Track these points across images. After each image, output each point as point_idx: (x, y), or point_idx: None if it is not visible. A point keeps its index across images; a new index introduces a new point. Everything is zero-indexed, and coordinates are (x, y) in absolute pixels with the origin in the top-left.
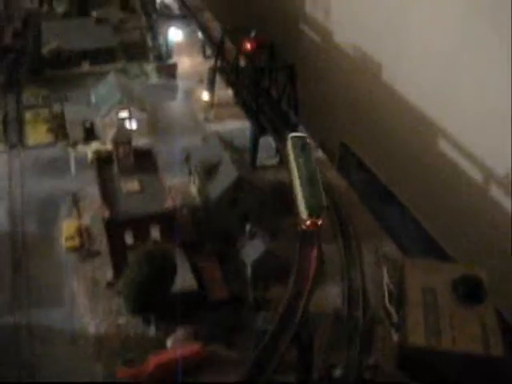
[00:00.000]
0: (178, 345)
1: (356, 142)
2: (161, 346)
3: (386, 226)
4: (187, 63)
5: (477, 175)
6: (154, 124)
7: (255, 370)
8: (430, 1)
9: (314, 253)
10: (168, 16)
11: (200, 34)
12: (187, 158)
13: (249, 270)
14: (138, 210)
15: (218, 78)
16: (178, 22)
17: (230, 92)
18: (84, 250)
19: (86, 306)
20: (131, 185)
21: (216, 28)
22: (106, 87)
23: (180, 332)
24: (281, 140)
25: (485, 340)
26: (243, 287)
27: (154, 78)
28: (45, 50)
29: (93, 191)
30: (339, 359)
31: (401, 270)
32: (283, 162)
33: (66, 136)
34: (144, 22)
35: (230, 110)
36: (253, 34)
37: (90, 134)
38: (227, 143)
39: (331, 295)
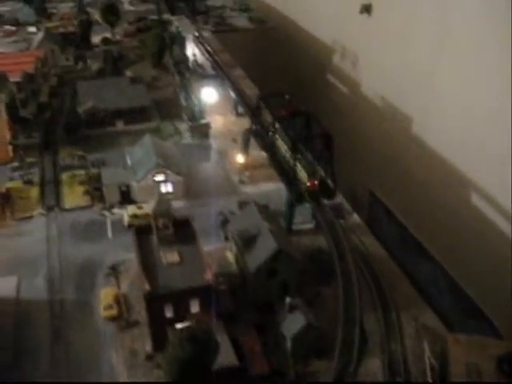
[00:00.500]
0: None
1: (385, 191)
2: None
3: (417, 281)
4: (220, 122)
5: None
6: (189, 186)
7: None
8: (459, 53)
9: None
10: (201, 75)
11: (232, 93)
12: (223, 224)
13: (289, 344)
14: (178, 283)
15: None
16: (210, 80)
17: (263, 153)
18: (122, 319)
19: (125, 376)
20: (171, 256)
21: (247, 84)
22: (142, 150)
23: None
24: (317, 206)
25: None
26: (283, 360)
27: (187, 138)
28: (80, 110)
29: (130, 257)
30: None
31: (443, 344)
32: (320, 227)
33: (102, 198)
34: (177, 81)
35: (264, 171)
36: (287, 97)
37: (126, 197)
38: (263, 210)
39: (372, 368)
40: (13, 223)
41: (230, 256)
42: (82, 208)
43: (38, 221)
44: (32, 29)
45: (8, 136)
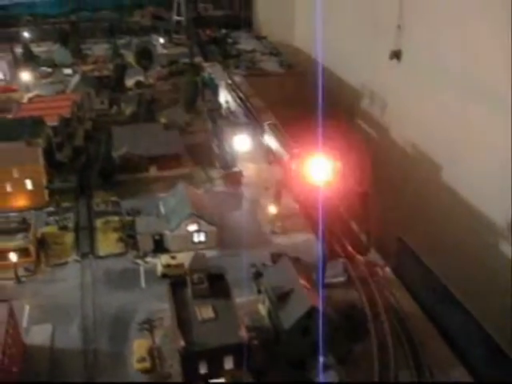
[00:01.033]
0: None
1: (414, 238)
2: None
3: (447, 331)
4: (251, 169)
5: None
6: (221, 235)
7: None
8: (492, 102)
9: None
10: (233, 122)
11: (264, 141)
12: (256, 276)
13: None
14: (213, 339)
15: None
16: (242, 128)
17: (296, 204)
18: (155, 372)
19: None
20: (205, 311)
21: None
22: (176, 198)
23: None
24: (350, 262)
25: None
26: None
27: (219, 185)
28: (115, 155)
29: (163, 307)
30: None
31: None
32: (352, 282)
33: (135, 246)
34: (210, 128)
35: (295, 221)
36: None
37: (159, 246)
38: (296, 263)
39: None
40: (47, 269)
41: (263, 310)
42: (116, 255)
43: (73, 267)
44: (68, 71)
45: (44, 180)
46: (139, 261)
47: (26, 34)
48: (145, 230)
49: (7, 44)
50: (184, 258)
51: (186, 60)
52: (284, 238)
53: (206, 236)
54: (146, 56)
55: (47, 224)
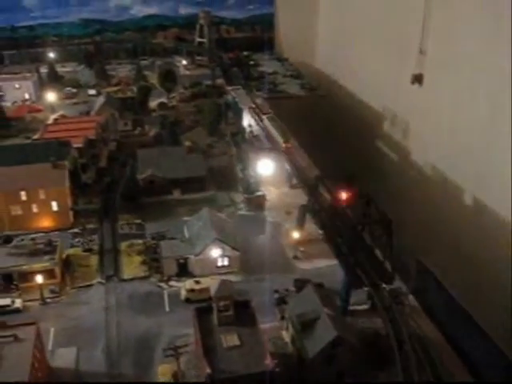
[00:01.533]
0: None
1: (433, 260)
2: None
3: (468, 357)
4: (274, 193)
5: None
6: (244, 259)
7: None
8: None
9: None
10: (256, 147)
11: (286, 165)
12: (279, 302)
13: None
14: (238, 367)
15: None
16: (265, 152)
17: (317, 228)
18: None
19: None
20: (231, 339)
21: (300, 154)
22: (200, 223)
23: None
24: (374, 290)
25: None
26: None
27: (242, 209)
28: (140, 177)
29: (187, 332)
30: None
31: None
32: (375, 309)
33: (158, 269)
34: (234, 152)
35: (318, 246)
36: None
37: (183, 270)
38: (319, 290)
39: None
40: (72, 291)
41: (286, 336)
42: (140, 278)
43: (97, 290)
44: (92, 91)
45: (69, 202)
46: (163, 284)
47: (51, 55)
48: (169, 254)
49: (33, 64)
50: (208, 283)
51: (209, 82)
52: (307, 263)
53: (230, 260)
54: (169, 78)
55: (72, 246)
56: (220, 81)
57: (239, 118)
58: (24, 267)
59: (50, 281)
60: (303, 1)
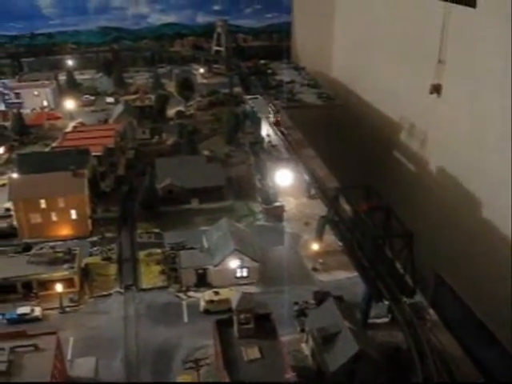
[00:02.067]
0: None
1: (452, 274)
2: None
3: (485, 368)
4: (292, 204)
5: None
6: (263, 270)
7: None
8: None
9: None
10: (275, 157)
11: (305, 175)
12: (299, 315)
13: None
14: (259, 380)
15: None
16: (284, 162)
17: (337, 239)
18: None
19: None
20: (251, 352)
21: (318, 164)
22: (219, 233)
23: None
24: (395, 304)
25: None
26: None
27: (261, 219)
28: (159, 186)
29: (206, 344)
30: None
31: None
32: (396, 322)
33: (177, 279)
34: (252, 161)
35: (337, 258)
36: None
37: (201, 280)
38: (339, 303)
39: None
40: (90, 300)
41: (306, 349)
42: (158, 288)
43: (115, 299)
44: (110, 99)
45: (88, 210)
46: (182, 295)
47: (69, 62)
48: (189, 264)
49: (51, 71)
50: (227, 294)
51: (226, 90)
52: (326, 275)
53: (249, 271)
54: (187, 86)
55: (91, 254)
56: (237, 89)
57: (258, 127)
58: (43, 275)
59: (69, 289)
60: (320, 10)
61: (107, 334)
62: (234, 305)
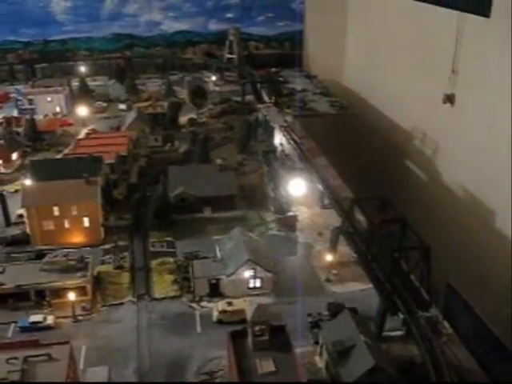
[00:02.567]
0: None
1: (463, 284)
2: None
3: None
4: (305, 213)
5: None
6: (276, 281)
7: None
8: None
9: None
10: (288, 166)
11: (319, 185)
12: (313, 327)
13: None
14: None
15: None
16: (297, 172)
17: (352, 252)
18: None
19: None
20: (266, 364)
21: (331, 173)
22: (232, 243)
23: None
24: (411, 317)
25: None
26: None
27: (273, 229)
28: (172, 195)
29: (219, 354)
30: None
31: None
32: (411, 336)
33: (190, 289)
34: (265, 171)
35: (351, 269)
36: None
37: (214, 290)
38: (354, 316)
39: None
40: (103, 309)
41: (320, 362)
42: (171, 298)
43: (128, 308)
44: (122, 106)
45: (101, 218)
46: (194, 305)
47: (82, 68)
48: (202, 274)
49: (64, 78)
50: (240, 305)
51: (238, 98)
52: (340, 286)
53: (262, 282)
54: (199, 94)
55: (103, 262)
56: (249, 97)
57: (270, 136)
58: (56, 283)
59: (82, 298)
60: (333, 19)
61: (120, 344)
62: (248, 316)
